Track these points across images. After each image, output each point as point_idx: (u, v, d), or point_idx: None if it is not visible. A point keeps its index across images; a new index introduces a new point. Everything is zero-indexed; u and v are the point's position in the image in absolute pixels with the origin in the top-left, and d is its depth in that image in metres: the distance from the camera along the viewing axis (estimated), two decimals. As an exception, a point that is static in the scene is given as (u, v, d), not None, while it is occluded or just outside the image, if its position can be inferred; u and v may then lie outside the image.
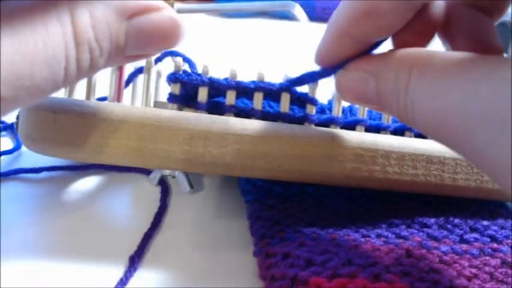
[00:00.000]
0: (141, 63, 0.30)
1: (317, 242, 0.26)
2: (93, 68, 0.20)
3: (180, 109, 0.28)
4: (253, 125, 0.27)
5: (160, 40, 0.22)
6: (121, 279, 0.26)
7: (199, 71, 0.29)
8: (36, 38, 0.17)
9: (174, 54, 0.29)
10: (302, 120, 0.29)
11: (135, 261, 0.27)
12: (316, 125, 0.29)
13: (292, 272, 0.24)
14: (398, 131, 0.30)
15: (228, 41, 0.56)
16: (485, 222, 0.29)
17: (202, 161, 0.26)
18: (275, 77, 0.30)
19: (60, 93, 0.28)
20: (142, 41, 0.21)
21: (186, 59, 0.29)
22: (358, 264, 0.24)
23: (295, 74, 0.29)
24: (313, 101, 0.30)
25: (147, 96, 0.29)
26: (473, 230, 0.29)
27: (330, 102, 0.33)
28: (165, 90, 0.30)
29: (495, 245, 0.28)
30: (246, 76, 0.30)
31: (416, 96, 0.21)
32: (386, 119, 0.30)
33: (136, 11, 0.20)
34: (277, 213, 0.28)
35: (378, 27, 0.23)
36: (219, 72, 0.30)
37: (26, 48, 0.17)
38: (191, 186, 0.32)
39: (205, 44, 0.56)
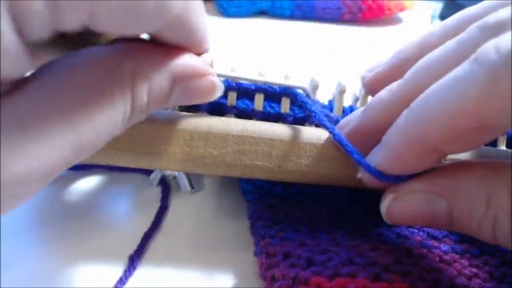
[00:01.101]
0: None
1: (317, 242, 0.26)
2: (138, 120, 0.22)
3: (180, 110, 0.28)
4: (253, 126, 0.27)
5: (199, 99, 0.24)
6: (120, 279, 0.26)
7: None
8: (104, 109, 0.19)
9: None
10: (303, 121, 0.29)
11: (134, 260, 0.27)
12: (317, 125, 0.29)
13: (293, 272, 0.24)
14: None
15: (228, 41, 0.56)
16: None
17: (202, 162, 0.26)
18: (275, 77, 0.30)
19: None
20: (184, 99, 0.23)
21: None
22: (359, 263, 0.24)
23: (296, 73, 0.29)
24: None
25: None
26: None
27: (331, 102, 0.33)
28: None
29: (495, 245, 0.27)
30: (247, 73, 0.30)
31: None
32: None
33: (185, 77, 0.23)
34: (277, 213, 0.28)
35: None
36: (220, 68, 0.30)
37: (93, 119, 0.19)
38: (191, 186, 0.32)
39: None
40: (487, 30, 0.21)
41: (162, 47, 0.22)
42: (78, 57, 0.19)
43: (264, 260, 0.26)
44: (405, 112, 0.22)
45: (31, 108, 0.17)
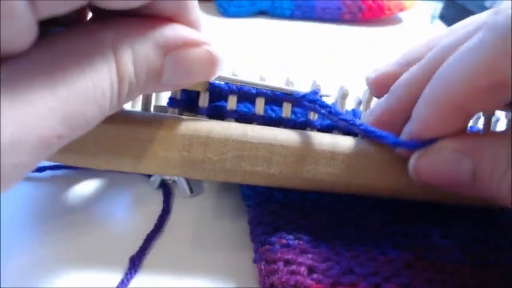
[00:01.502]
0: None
1: (318, 250, 0.26)
2: (130, 97, 0.21)
3: (180, 113, 0.28)
4: (253, 130, 0.27)
5: (196, 74, 0.23)
6: (122, 280, 0.26)
7: None
8: (86, 79, 0.19)
9: None
10: (304, 125, 0.29)
11: (135, 263, 0.27)
12: (319, 130, 0.29)
13: (293, 280, 0.24)
14: None
15: (228, 41, 0.56)
16: (487, 231, 0.29)
17: (201, 168, 0.26)
18: (276, 79, 0.30)
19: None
20: (179, 74, 0.22)
21: None
22: (359, 273, 0.24)
23: (296, 73, 0.29)
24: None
25: (147, 101, 0.28)
26: (475, 239, 0.28)
27: (333, 106, 0.33)
28: (165, 94, 0.29)
29: (498, 254, 0.27)
30: (248, 75, 0.30)
31: None
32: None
33: (175, 46, 0.21)
34: (278, 219, 0.28)
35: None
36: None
37: (78, 89, 0.18)
38: (191, 190, 0.32)
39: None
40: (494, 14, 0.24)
41: (148, 19, 0.21)
42: (62, 32, 0.20)
43: (263, 267, 0.26)
44: (429, 83, 0.24)
45: (15, 78, 0.17)
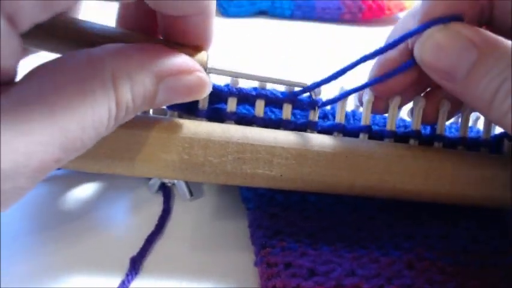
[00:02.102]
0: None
1: (319, 252, 0.26)
2: (126, 119, 0.22)
3: (179, 116, 0.28)
4: (254, 133, 0.27)
5: (187, 97, 0.24)
6: (122, 281, 0.26)
7: None
8: (87, 108, 0.20)
9: None
10: (305, 127, 0.29)
11: (136, 264, 0.27)
12: (319, 132, 0.29)
13: (294, 282, 0.24)
14: (403, 139, 0.30)
15: (228, 41, 0.56)
16: (488, 232, 0.29)
17: (202, 171, 0.26)
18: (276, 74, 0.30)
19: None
20: (172, 97, 0.24)
21: None
22: (362, 275, 0.24)
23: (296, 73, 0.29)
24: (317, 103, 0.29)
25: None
26: (476, 240, 0.28)
27: (333, 107, 0.33)
28: None
29: (498, 256, 0.27)
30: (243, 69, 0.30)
31: None
32: (390, 125, 0.29)
33: (170, 73, 0.23)
34: (278, 222, 0.28)
35: None
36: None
37: (78, 117, 0.19)
38: (191, 193, 0.32)
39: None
40: None
41: (145, 48, 0.23)
42: (61, 59, 0.21)
43: (264, 270, 0.25)
44: None
45: (16, 107, 0.18)
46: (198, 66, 0.24)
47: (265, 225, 0.28)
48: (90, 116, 0.20)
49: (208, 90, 0.25)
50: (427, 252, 0.27)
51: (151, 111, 0.29)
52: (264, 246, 0.26)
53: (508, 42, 0.23)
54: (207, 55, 0.25)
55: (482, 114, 0.27)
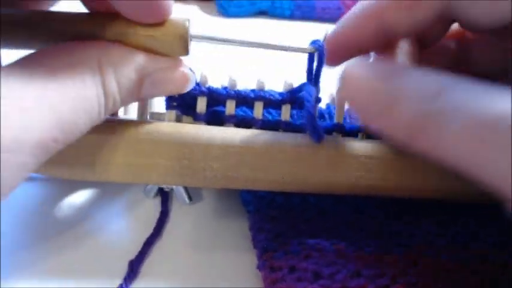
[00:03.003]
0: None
1: (323, 254, 0.26)
2: (114, 110, 0.23)
3: (178, 119, 0.28)
4: (254, 136, 0.26)
5: (171, 90, 0.25)
6: (120, 285, 0.26)
7: (198, 79, 0.28)
8: (77, 90, 0.21)
9: None
10: (304, 128, 0.28)
11: (134, 267, 0.27)
12: None
13: (300, 286, 0.24)
14: None
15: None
16: (486, 229, 0.29)
17: (203, 176, 0.26)
18: (275, 79, 0.30)
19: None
20: (156, 90, 0.25)
21: None
22: (367, 275, 0.24)
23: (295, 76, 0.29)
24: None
25: (143, 109, 0.28)
26: (477, 236, 0.28)
27: (329, 107, 0.33)
28: (159, 100, 0.29)
29: (498, 252, 0.27)
30: (245, 79, 0.30)
31: None
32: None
33: (154, 69, 0.24)
34: (279, 225, 0.28)
35: (414, 19, 0.25)
36: (218, 74, 0.29)
37: (69, 99, 0.20)
38: (190, 198, 0.31)
39: (205, 44, 0.55)
40: None
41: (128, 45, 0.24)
42: (50, 48, 0.22)
43: (268, 274, 0.25)
44: None
45: (10, 85, 0.19)
46: (181, 62, 0.25)
47: (266, 228, 0.28)
48: (81, 100, 0.21)
49: (191, 85, 0.26)
50: (430, 249, 0.27)
51: (148, 115, 0.29)
52: (266, 250, 0.26)
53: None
54: (188, 22, 0.24)
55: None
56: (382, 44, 0.27)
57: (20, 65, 0.21)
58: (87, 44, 0.22)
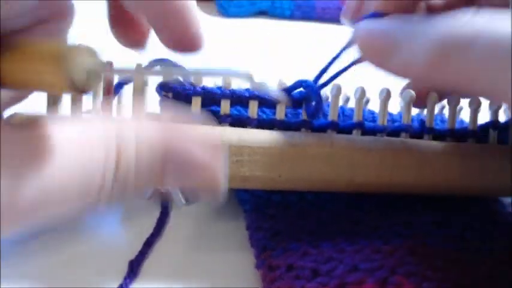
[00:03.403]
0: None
1: (320, 250, 0.26)
2: (122, 199, 0.20)
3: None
4: (250, 135, 0.26)
5: (196, 188, 0.22)
6: (120, 285, 0.26)
7: (191, 79, 0.28)
8: (78, 163, 0.18)
9: (164, 60, 0.27)
10: (299, 126, 0.29)
11: (134, 267, 0.27)
12: (313, 130, 0.29)
13: (298, 285, 0.24)
14: (395, 133, 0.30)
15: (228, 41, 0.56)
16: (482, 220, 0.29)
17: None
18: (276, 79, 0.30)
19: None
20: (181, 181, 0.21)
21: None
22: (365, 269, 0.24)
23: (300, 75, 0.29)
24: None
25: (138, 108, 0.27)
26: (471, 227, 0.29)
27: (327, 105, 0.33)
28: (152, 100, 0.29)
29: (493, 242, 0.27)
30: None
31: None
32: (382, 121, 0.29)
33: (180, 161, 0.20)
34: (277, 223, 0.28)
35: None
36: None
37: (61, 175, 0.18)
38: (186, 200, 0.31)
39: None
40: None
41: (159, 123, 0.20)
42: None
43: (266, 273, 0.25)
44: None
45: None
46: (216, 160, 0.21)
47: (264, 226, 0.28)
48: (77, 179, 0.18)
49: (221, 188, 0.21)
50: (428, 238, 0.27)
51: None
52: (264, 249, 0.26)
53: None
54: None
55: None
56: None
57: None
58: (109, 118, 0.21)
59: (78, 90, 0.19)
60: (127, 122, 0.20)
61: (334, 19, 0.62)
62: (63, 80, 0.18)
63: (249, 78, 0.19)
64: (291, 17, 0.63)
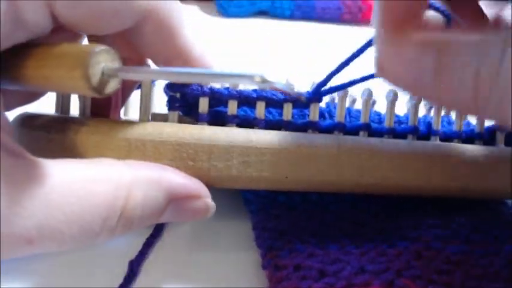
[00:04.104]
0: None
1: (326, 252, 0.26)
2: (124, 231, 0.22)
3: (180, 120, 0.27)
4: (257, 135, 0.26)
5: (189, 219, 0.26)
6: (120, 285, 0.26)
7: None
8: (83, 200, 0.19)
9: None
10: (306, 127, 0.29)
11: (134, 267, 0.27)
12: (320, 131, 0.29)
13: (305, 285, 0.24)
14: (401, 135, 0.30)
15: (228, 41, 0.56)
16: (488, 222, 0.29)
17: (207, 176, 0.26)
18: (276, 79, 0.30)
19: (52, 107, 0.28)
20: (176, 217, 0.24)
21: None
22: (371, 271, 0.24)
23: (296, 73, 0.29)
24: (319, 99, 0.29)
25: (145, 110, 0.27)
26: (477, 229, 0.29)
27: (328, 105, 0.33)
28: (159, 101, 0.29)
29: (499, 245, 0.27)
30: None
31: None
32: (389, 123, 0.30)
33: (180, 196, 0.24)
34: (282, 223, 0.28)
35: None
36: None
37: (66, 208, 0.19)
38: None
39: (206, 44, 0.55)
40: None
41: (160, 167, 0.24)
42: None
43: (273, 273, 0.25)
44: None
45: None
46: (207, 193, 0.25)
47: (270, 226, 0.28)
48: (82, 213, 0.19)
49: (211, 214, 0.25)
50: (434, 241, 0.27)
51: (150, 116, 0.28)
52: (270, 249, 0.26)
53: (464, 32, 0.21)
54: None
55: (469, 113, 0.25)
56: None
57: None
58: (123, 162, 0.22)
59: (96, 91, 0.19)
60: (140, 170, 0.22)
61: (334, 19, 0.63)
62: (81, 81, 0.19)
63: (263, 79, 0.19)
64: (291, 17, 0.63)
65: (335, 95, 0.30)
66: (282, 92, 0.26)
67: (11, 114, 0.25)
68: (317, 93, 0.28)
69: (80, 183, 0.20)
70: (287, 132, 0.27)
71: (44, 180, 0.19)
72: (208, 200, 0.25)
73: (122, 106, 0.30)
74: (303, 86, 0.29)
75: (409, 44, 0.21)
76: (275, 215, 0.29)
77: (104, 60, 0.21)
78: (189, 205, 0.24)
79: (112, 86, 0.22)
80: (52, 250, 0.20)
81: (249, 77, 0.19)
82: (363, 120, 0.29)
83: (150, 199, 0.22)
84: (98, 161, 0.22)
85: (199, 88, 0.27)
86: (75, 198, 0.19)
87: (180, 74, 0.22)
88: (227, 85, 0.28)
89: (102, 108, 0.27)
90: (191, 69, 0.25)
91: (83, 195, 0.19)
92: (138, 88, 0.29)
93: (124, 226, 0.21)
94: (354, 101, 0.34)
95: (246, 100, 0.28)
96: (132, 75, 0.22)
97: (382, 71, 0.22)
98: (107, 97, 0.26)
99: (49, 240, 0.19)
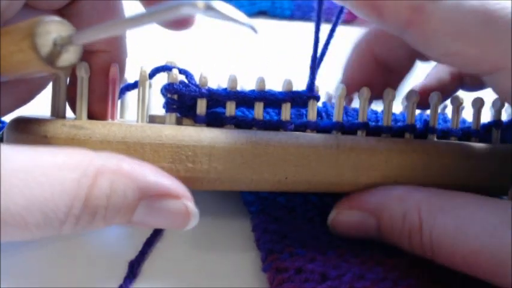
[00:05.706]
0: (134, 76, 0.29)
1: (327, 257, 0.26)
2: (88, 228, 0.21)
3: (178, 122, 0.27)
4: (257, 136, 0.26)
5: (166, 223, 0.23)
6: (120, 286, 0.26)
7: (197, 80, 0.28)
8: (46, 186, 0.19)
9: (167, 68, 0.27)
10: (304, 127, 0.29)
11: (134, 268, 0.27)
12: (318, 131, 0.29)
13: (309, 287, 0.24)
14: (399, 133, 0.30)
15: (228, 41, 0.56)
16: None
17: (207, 178, 0.25)
18: (276, 79, 0.30)
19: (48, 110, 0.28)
20: (151, 218, 0.22)
21: (182, 71, 0.28)
22: (370, 279, 0.24)
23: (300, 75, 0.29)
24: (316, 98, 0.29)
25: (143, 112, 0.27)
26: None
27: (325, 105, 0.32)
28: (157, 103, 0.29)
29: None
30: (245, 78, 0.29)
31: (436, 235, 0.24)
32: (387, 122, 0.30)
33: (155, 193, 0.22)
34: (283, 226, 0.28)
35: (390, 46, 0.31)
36: (218, 74, 0.29)
37: (28, 190, 0.18)
38: None
39: (204, 44, 0.55)
40: None
41: (135, 162, 0.22)
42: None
43: (274, 275, 0.25)
44: None
45: None
46: (188, 195, 0.23)
47: (271, 229, 0.28)
48: (43, 202, 0.19)
49: (193, 223, 0.23)
50: None
51: (147, 118, 0.28)
52: (271, 252, 0.26)
53: (390, 192, 0.27)
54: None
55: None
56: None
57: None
58: (93, 152, 0.21)
59: (48, 62, 0.19)
60: (109, 160, 0.21)
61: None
62: (30, 52, 0.18)
63: (207, 6, 0.18)
64: (291, 17, 0.63)
65: (333, 93, 0.30)
66: (232, 21, 0.23)
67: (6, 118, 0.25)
68: (312, 90, 0.29)
69: (43, 169, 0.19)
70: (286, 133, 0.27)
71: (4, 164, 0.18)
72: (188, 203, 0.23)
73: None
74: (303, 85, 0.29)
75: (353, 212, 0.27)
76: (276, 217, 0.29)
77: (57, 31, 0.20)
78: (164, 205, 0.22)
79: (67, 58, 0.20)
80: (17, 238, 0.19)
81: (192, 4, 0.18)
82: (361, 119, 0.29)
83: (117, 190, 0.20)
84: (68, 149, 0.21)
85: (197, 89, 0.27)
86: (37, 183, 0.18)
87: (136, 17, 0.20)
88: (224, 85, 0.28)
89: (99, 110, 0.27)
90: (144, 12, 0.24)
91: (45, 181, 0.19)
92: (134, 88, 0.29)
93: (89, 215, 0.20)
94: (330, 99, 0.35)
95: (244, 101, 0.28)
96: (88, 36, 0.20)
97: (336, 231, 0.28)
98: (104, 98, 0.27)
99: (10, 226, 0.18)
